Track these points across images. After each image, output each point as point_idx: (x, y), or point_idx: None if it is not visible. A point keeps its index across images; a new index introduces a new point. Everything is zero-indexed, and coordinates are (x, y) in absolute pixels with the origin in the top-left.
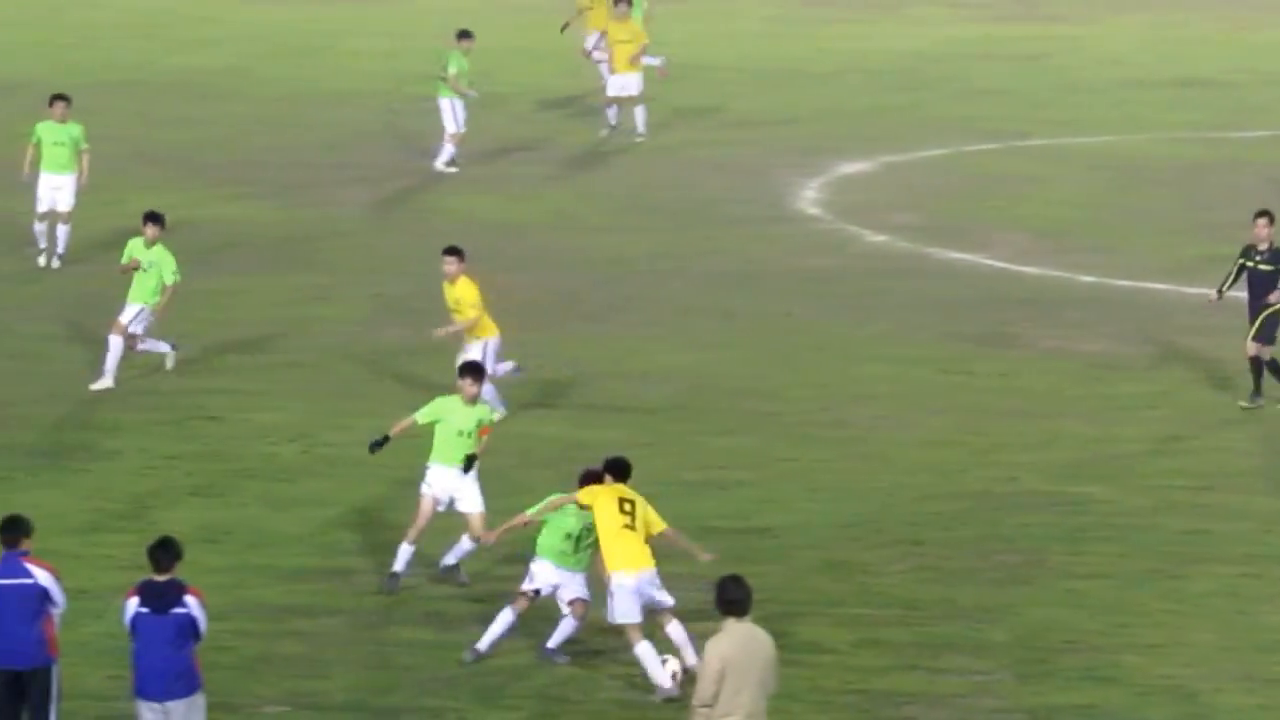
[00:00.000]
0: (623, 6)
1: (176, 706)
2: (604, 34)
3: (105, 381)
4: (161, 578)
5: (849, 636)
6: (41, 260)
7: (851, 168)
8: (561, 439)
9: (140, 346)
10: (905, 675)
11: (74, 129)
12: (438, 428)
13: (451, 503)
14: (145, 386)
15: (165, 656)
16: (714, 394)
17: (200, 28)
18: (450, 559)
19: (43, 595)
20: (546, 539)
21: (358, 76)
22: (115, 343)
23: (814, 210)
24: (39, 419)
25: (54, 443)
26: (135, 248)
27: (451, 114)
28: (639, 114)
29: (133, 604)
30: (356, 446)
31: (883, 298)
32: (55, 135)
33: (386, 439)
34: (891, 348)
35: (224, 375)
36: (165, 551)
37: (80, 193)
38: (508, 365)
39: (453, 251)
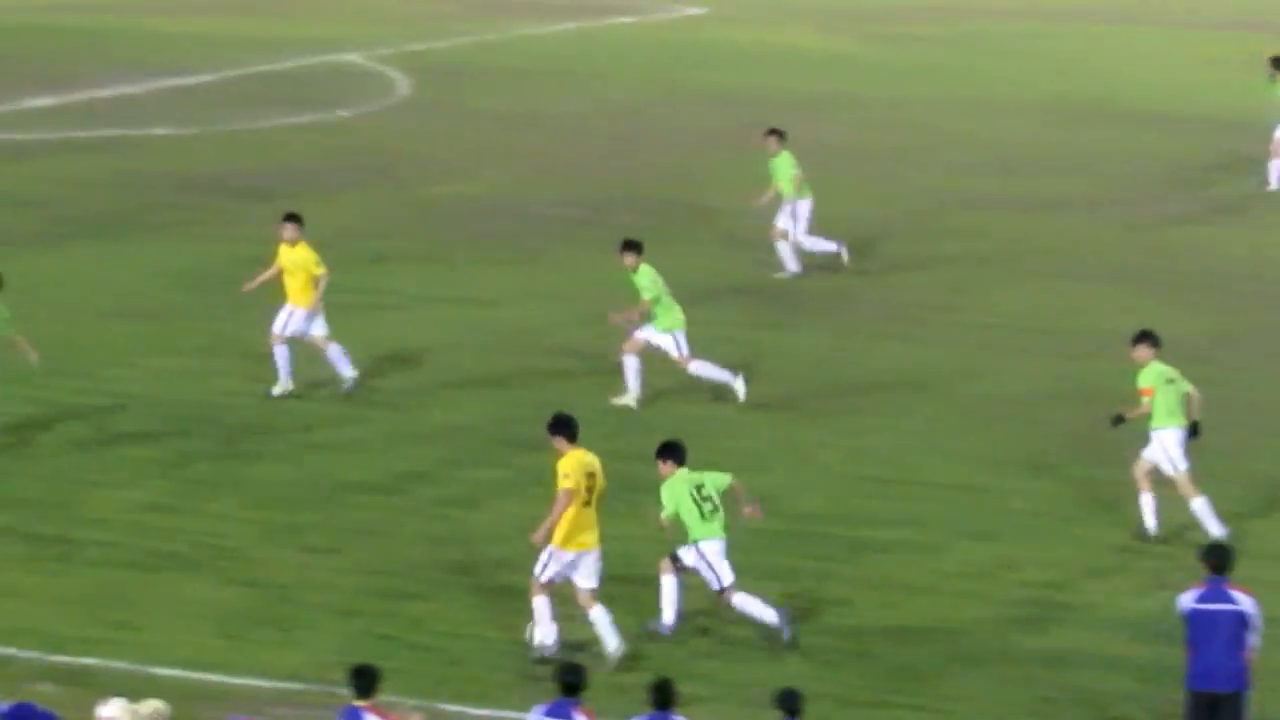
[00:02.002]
0: None
1: None
2: None
3: (626, 399)
4: None
5: None
6: (792, 268)
7: None
8: None
9: (693, 367)
10: None
11: (778, 160)
12: None
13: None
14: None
15: None
16: None
17: None
18: (1214, 526)
19: (1245, 621)
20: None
21: None
22: (629, 361)
23: None
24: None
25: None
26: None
27: None
28: None
29: None
30: None
31: None
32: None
33: (1123, 417)
34: None
35: None
36: None
37: (806, 218)
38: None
39: (291, 218)
